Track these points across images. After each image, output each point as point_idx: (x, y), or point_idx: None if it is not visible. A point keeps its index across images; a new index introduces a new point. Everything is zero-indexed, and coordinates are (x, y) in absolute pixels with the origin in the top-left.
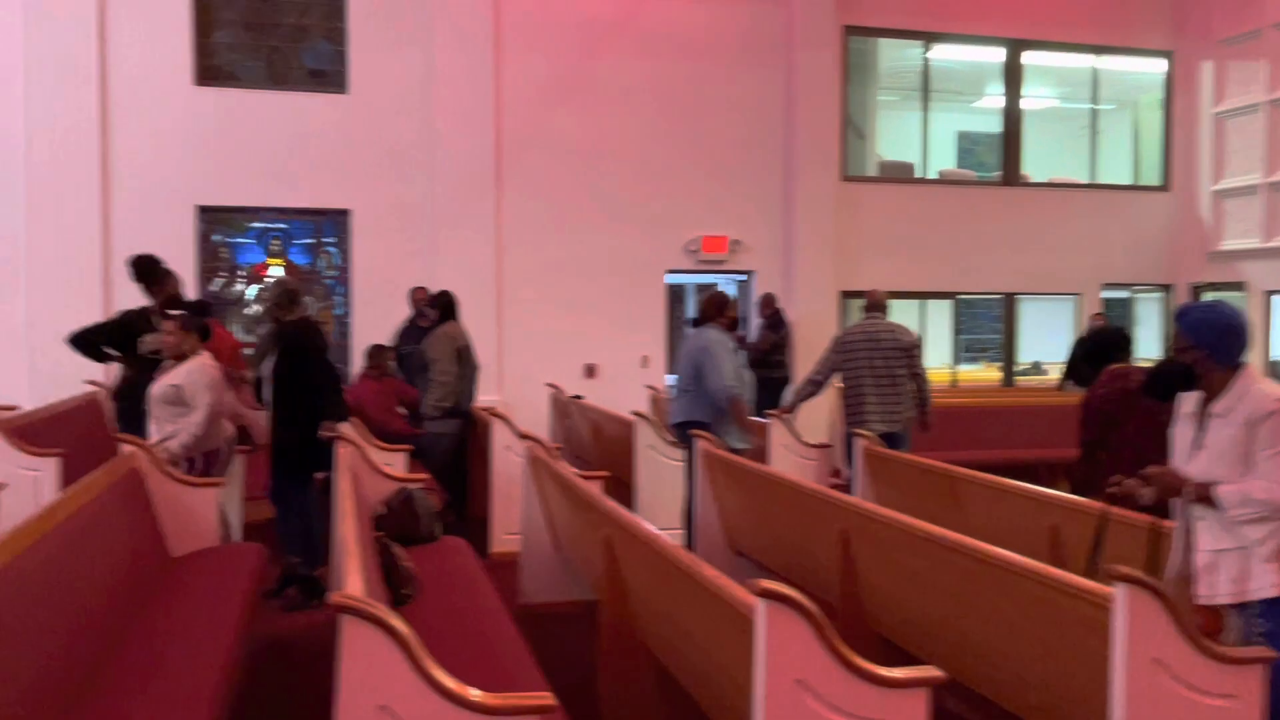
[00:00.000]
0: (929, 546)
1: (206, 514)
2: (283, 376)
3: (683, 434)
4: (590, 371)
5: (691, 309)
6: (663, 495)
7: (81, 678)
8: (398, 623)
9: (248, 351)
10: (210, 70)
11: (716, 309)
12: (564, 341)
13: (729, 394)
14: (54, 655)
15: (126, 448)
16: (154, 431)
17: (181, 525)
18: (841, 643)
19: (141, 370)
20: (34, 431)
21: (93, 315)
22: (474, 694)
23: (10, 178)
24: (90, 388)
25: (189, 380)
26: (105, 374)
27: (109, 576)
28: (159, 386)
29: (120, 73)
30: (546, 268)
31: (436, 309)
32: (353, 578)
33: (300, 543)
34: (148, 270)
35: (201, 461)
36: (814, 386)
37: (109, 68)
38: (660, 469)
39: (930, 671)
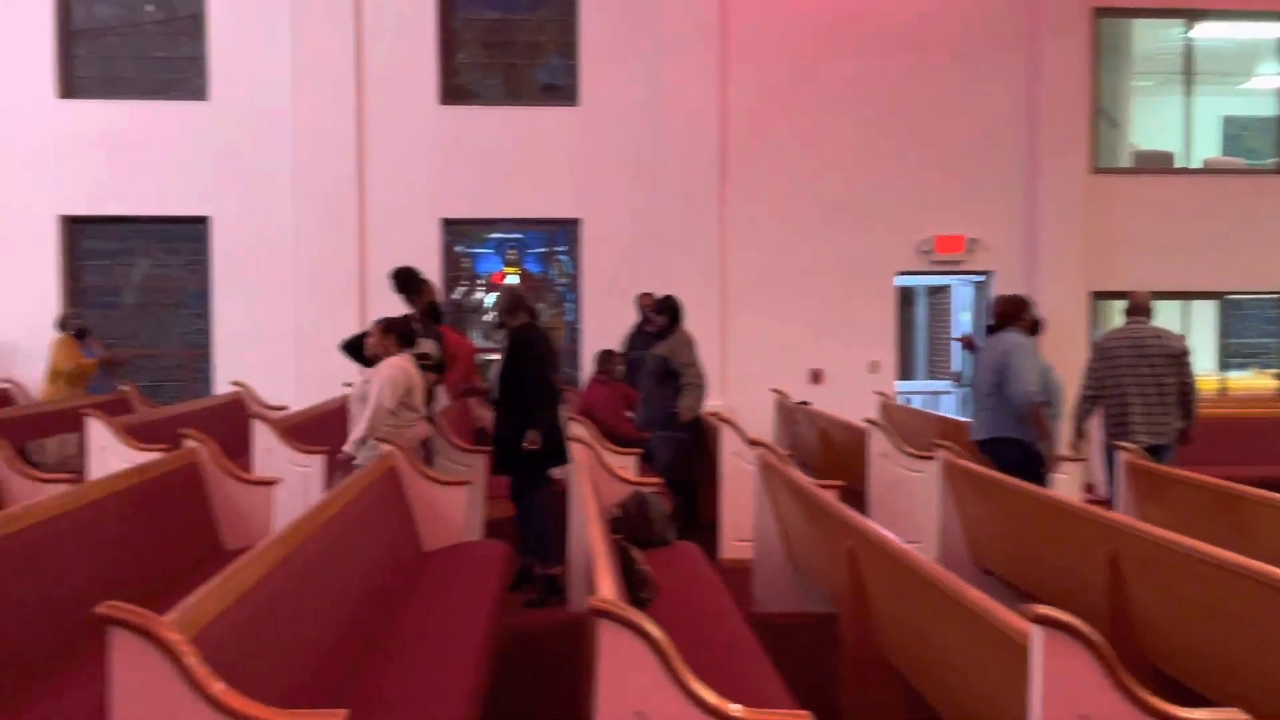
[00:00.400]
0: (1217, 572)
1: (455, 511)
2: (508, 379)
3: (994, 452)
4: (816, 377)
5: (921, 311)
6: (899, 506)
7: (351, 662)
8: (654, 629)
9: (493, 357)
10: (454, 90)
11: (1016, 311)
12: (788, 346)
13: (1030, 400)
14: (329, 639)
15: (384, 447)
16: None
17: (433, 521)
18: (1131, 678)
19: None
20: (302, 431)
21: (350, 322)
22: (734, 709)
23: (280, 196)
24: (347, 390)
25: (374, 376)
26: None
27: (372, 567)
28: (356, 386)
29: (374, 96)
30: (771, 271)
31: (663, 314)
32: (604, 581)
33: (534, 542)
34: (407, 281)
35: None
36: (1090, 404)
37: (365, 92)
38: (896, 479)
39: (1234, 715)
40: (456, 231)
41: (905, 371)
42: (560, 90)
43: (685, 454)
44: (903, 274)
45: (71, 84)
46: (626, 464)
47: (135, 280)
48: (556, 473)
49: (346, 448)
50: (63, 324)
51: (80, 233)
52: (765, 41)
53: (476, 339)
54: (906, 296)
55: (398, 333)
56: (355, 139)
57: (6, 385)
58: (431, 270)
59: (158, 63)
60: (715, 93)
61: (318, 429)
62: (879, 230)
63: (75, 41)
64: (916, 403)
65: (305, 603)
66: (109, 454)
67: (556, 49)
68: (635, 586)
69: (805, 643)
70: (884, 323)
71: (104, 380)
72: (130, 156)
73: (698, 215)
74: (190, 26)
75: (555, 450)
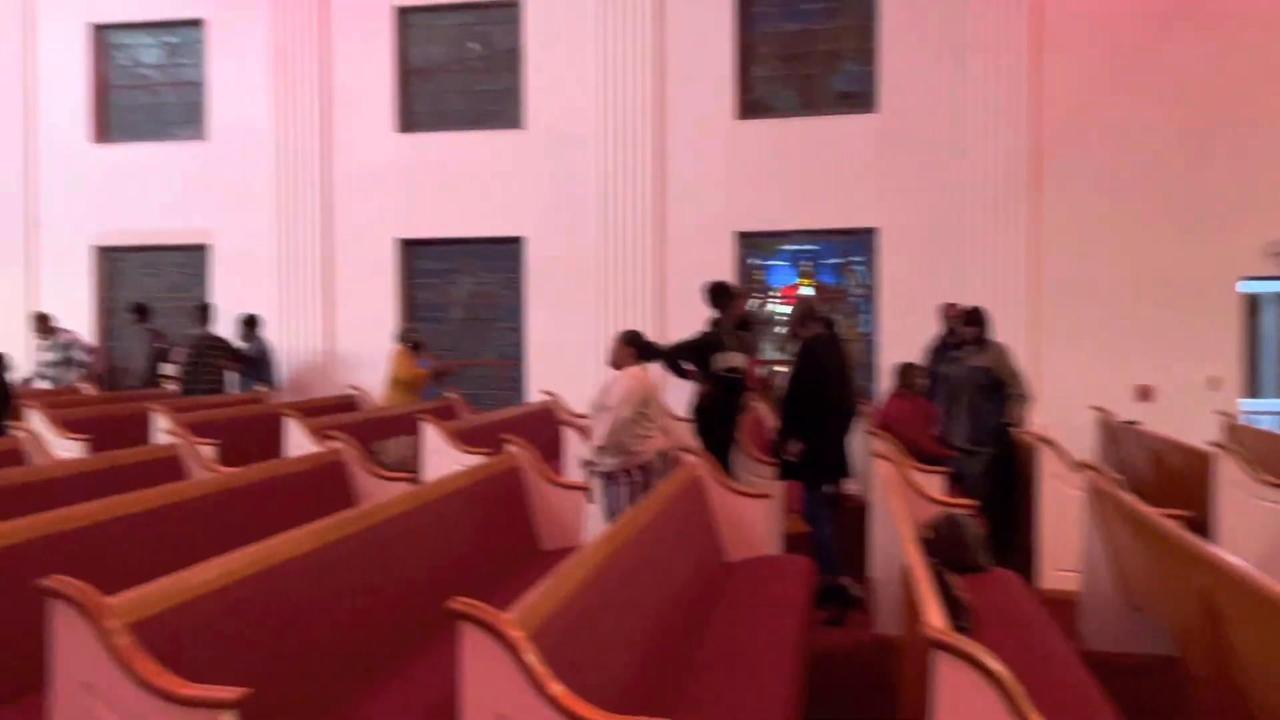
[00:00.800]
0: None
1: (757, 523)
2: (795, 391)
3: None
4: (1144, 394)
5: (1271, 321)
6: (1255, 541)
7: (665, 670)
8: (996, 664)
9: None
10: (750, 104)
11: None
12: (1110, 360)
13: None
14: (644, 646)
15: (689, 459)
16: (597, 433)
17: (735, 532)
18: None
19: (715, 386)
20: None
21: (648, 332)
22: None
23: (586, 215)
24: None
25: (609, 386)
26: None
27: (680, 576)
28: (597, 395)
29: (673, 114)
30: (1089, 278)
31: (973, 325)
32: (931, 609)
33: (824, 555)
34: (720, 294)
35: (641, 475)
36: None
37: (664, 111)
38: (1250, 510)
39: None
40: (750, 244)
41: (1251, 389)
42: (858, 98)
43: (998, 473)
44: (1247, 279)
45: (408, 119)
46: (933, 482)
47: (460, 296)
48: (835, 486)
49: (587, 454)
50: (401, 337)
51: (413, 254)
52: (1084, 30)
53: (769, 351)
54: (1252, 305)
55: (636, 345)
56: (655, 156)
57: (354, 392)
58: None
59: (480, 95)
60: (1025, 90)
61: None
62: (1218, 231)
63: (411, 80)
64: (1266, 424)
65: (623, 608)
66: (441, 456)
67: (854, 56)
68: (953, 615)
69: (1146, 687)
70: (1225, 334)
71: (434, 389)
72: (456, 183)
73: (1003, 221)
74: (508, 60)
75: (836, 465)
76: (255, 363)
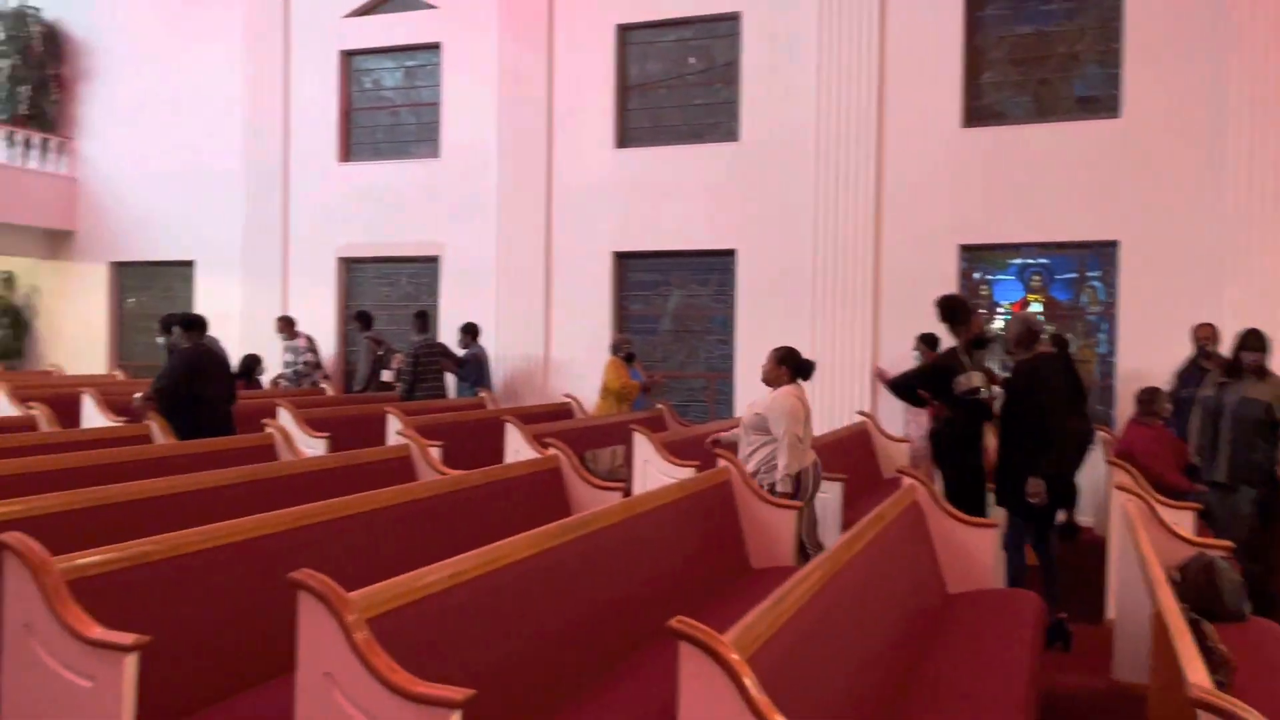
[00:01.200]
0: None
1: (981, 554)
2: (1012, 413)
3: None
4: None
5: None
6: None
7: (883, 704)
8: None
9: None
10: (978, 111)
11: None
12: None
13: None
14: (862, 677)
15: (906, 480)
16: (742, 452)
17: (958, 562)
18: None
19: (956, 410)
20: (821, 456)
21: (864, 348)
22: None
23: (800, 227)
24: (860, 418)
25: (769, 409)
26: (871, 405)
27: (899, 605)
28: (748, 414)
29: (894, 123)
30: None
31: (1254, 351)
32: (1194, 664)
33: (1045, 588)
34: (954, 310)
35: (792, 485)
36: None
37: (885, 120)
38: None
39: None
40: (974, 257)
41: None
42: (1098, 102)
43: (1262, 516)
44: None
45: (625, 134)
46: (1184, 520)
47: (670, 308)
48: (1067, 516)
49: (779, 486)
50: (615, 348)
51: (627, 266)
52: None
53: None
54: None
55: (791, 364)
56: (874, 166)
57: (568, 401)
58: None
59: (697, 109)
60: None
61: (835, 454)
62: None
63: (629, 96)
64: None
65: (840, 635)
66: (651, 466)
67: (1096, 58)
68: (1211, 668)
69: None
70: None
71: (643, 399)
72: (668, 196)
73: (1268, 232)
74: (726, 73)
75: (1060, 493)
76: (472, 368)
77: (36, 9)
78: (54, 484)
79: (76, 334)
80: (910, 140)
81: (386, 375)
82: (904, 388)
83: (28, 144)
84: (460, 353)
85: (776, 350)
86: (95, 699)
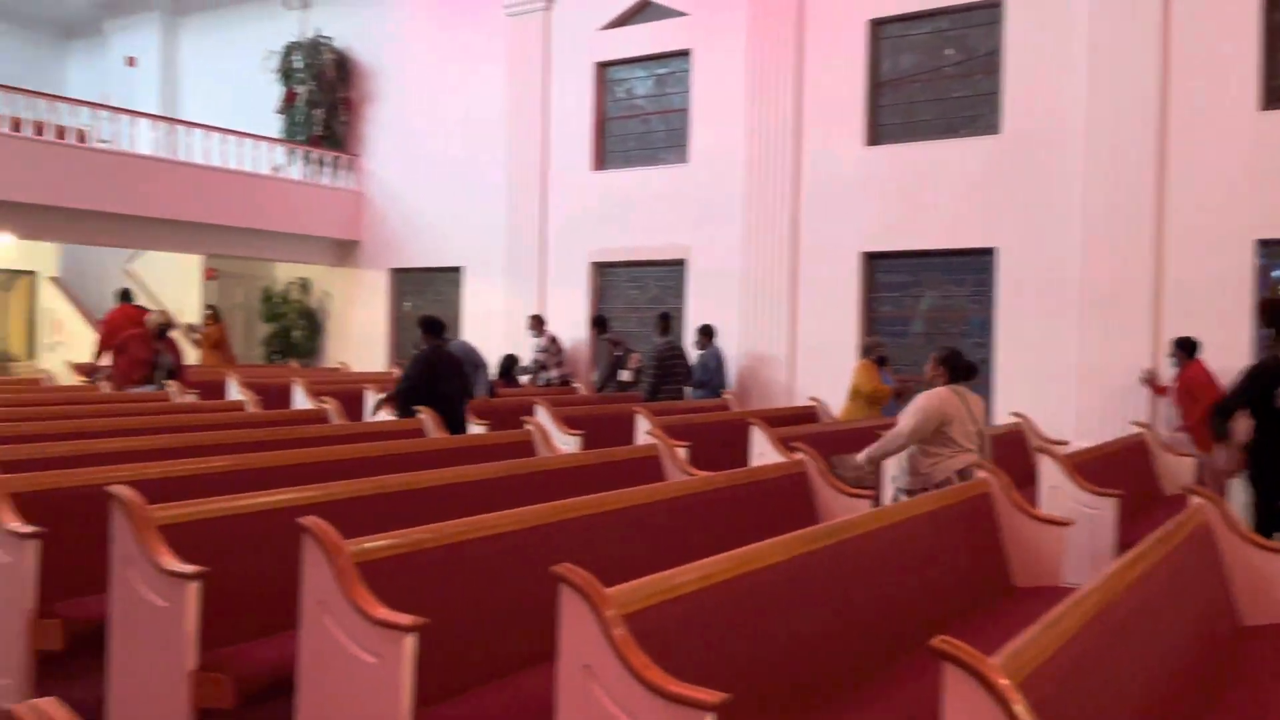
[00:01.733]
0: None
1: None
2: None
3: None
4: None
5: None
6: None
7: None
8: None
9: None
10: (1278, 92)
11: None
12: None
13: None
14: (1142, 703)
15: (1195, 500)
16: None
17: (1254, 591)
18: None
19: (1270, 421)
20: (1090, 469)
21: (1139, 354)
22: None
23: (1066, 223)
24: (1136, 429)
25: (909, 406)
26: (1150, 414)
27: (1182, 639)
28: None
29: (1179, 107)
30: None
31: None
32: None
33: None
34: (1277, 314)
35: (869, 469)
36: None
37: (1168, 104)
38: None
39: None
40: (1275, 253)
41: None
42: None
43: None
44: None
45: (876, 131)
46: None
47: (922, 310)
48: None
49: (860, 460)
50: (867, 350)
51: (875, 266)
52: None
53: None
54: None
55: (951, 366)
56: (1155, 156)
57: (814, 403)
58: (1240, 296)
59: (953, 103)
60: None
61: (1107, 468)
62: None
63: (881, 92)
64: None
65: (1118, 666)
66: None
67: None
68: None
69: None
70: None
71: (895, 405)
72: (921, 194)
73: None
74: (986, 64)
75: None
76: (698, 369)
77: (329, 39)
78: (341, 473)
79: (361, 335)
80: (1198, 127)
81: (624, 375)
82: (1229, 411)
83: (321, 162)
84: (696, 354)
85: (938, 350)
86: (378, 674)
